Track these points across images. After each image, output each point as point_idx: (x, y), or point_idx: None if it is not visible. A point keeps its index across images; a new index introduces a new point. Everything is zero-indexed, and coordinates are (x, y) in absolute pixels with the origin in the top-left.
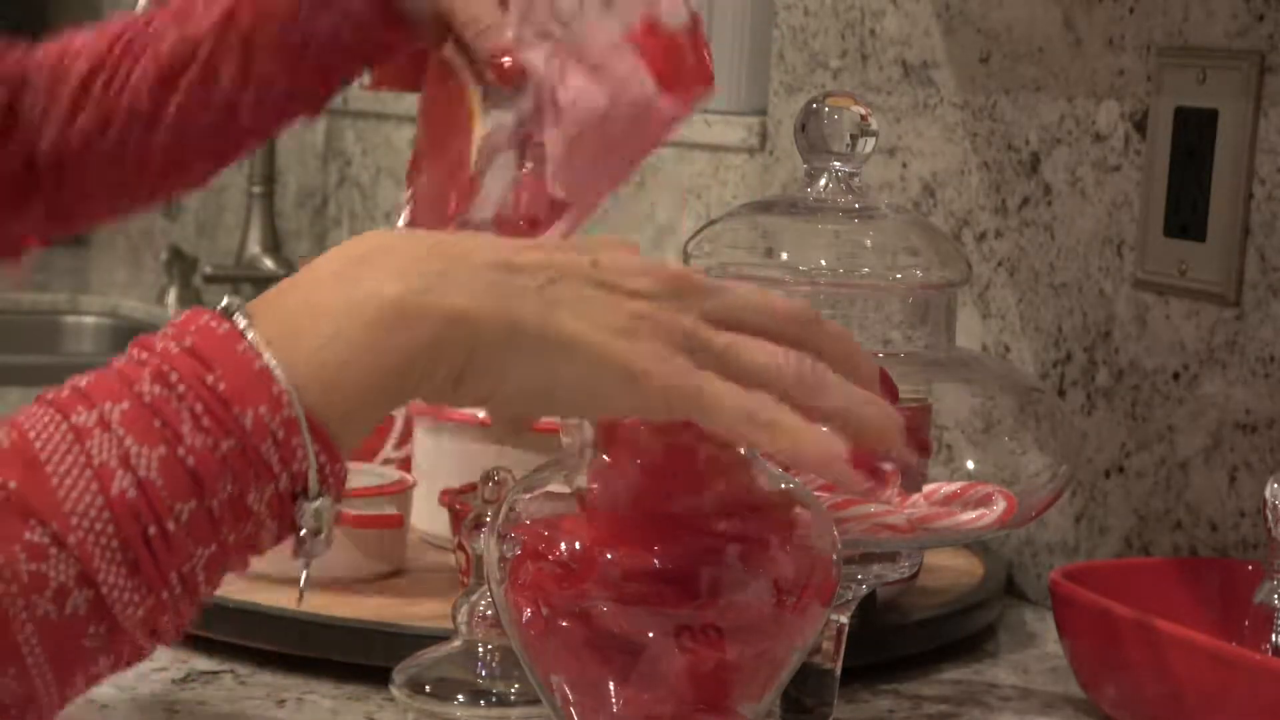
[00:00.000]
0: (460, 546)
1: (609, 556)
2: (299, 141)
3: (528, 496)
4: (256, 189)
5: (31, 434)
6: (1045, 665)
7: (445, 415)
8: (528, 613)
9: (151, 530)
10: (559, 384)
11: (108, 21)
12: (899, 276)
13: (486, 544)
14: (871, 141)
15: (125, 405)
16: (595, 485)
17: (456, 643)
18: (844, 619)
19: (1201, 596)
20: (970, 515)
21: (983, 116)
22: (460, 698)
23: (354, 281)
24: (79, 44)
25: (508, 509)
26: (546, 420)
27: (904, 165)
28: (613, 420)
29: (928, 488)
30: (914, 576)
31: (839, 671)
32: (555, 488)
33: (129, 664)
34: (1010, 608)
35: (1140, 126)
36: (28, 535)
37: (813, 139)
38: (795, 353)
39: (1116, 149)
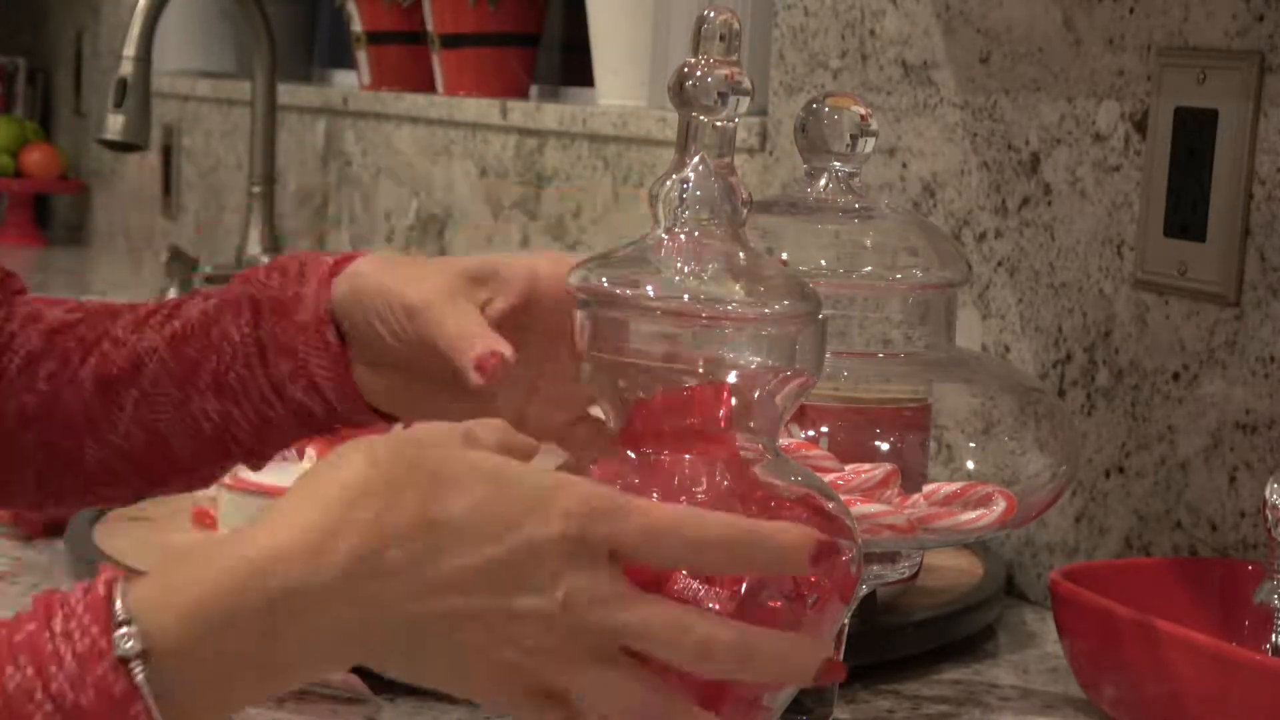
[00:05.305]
0: None
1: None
2: (299, 141)
3: None
4: (256, 189)
5: None
6: (1045, 665)
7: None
8: None
9: None
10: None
11: (83, 302)
12: (899, 276)
13: None
14: (871, 141)
15: None
16: (616, 483)
17: None
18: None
19: (1201, 596)
20: (970, 515)
21: (983, 116)
22: None
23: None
24: (45, 314)
25: None
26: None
27: (904, 165)
28: (631, 421)
29: (928, 488)
30: (914, 576)
31: None
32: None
33: None
34: (1010, 608)
35: (1140, 126)
36: None
37: (813, 139)
38: (715, 638)
39: (1116, 149)
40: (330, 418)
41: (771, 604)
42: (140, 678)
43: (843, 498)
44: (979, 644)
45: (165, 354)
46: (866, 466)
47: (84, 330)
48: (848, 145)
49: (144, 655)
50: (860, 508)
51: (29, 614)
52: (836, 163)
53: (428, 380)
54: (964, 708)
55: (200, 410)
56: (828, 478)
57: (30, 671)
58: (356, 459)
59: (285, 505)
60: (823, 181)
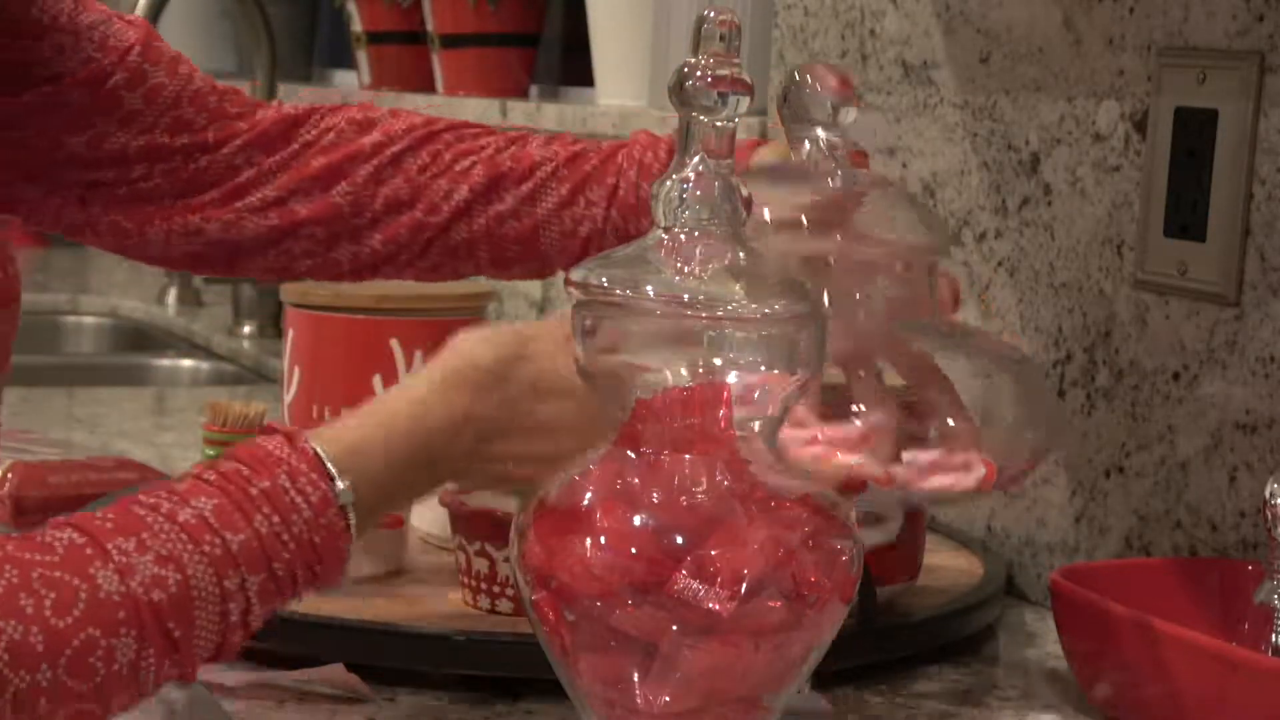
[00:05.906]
0: (460, 546)
1: (627, 557)
2: None
3: (551, 495)
4: None
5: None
6: (1045, 665)
7: None
8: (551, 614)
9: None
10: None
11: (405, 112)
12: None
13: (512, 544)
14: (853, 111)
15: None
16: (616, 483)
17: None
18: None
19: (1201, 596)
20: (948, 479)
21: (983, 116)
22: None
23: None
24: (385, 125)
25: (532, 509)
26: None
27: (904, 165)
28: (631, 421)
29: (906, 455)
30: (914, 577)
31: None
32: (576, 487)
33: None
34: (1010, 608)
35: (1140, 126)
36: None
37: (794, 108)
38: None
39: (1116, 149)
40: None
41: (771, 604)
42: (352, 518)
43: (821, 450)
44: (979, 644)
45: (562, 162)
46: (845, 425)
47: (450, 138)
48: (829, 114)
49: (353, 501)
50: (841, 459)
51: (234, 469)
52: (818, 130)
53: None
54: (964, 708)
55: (585, 214)
56: (805, 433)
57: (276, 519)
58: (481, 355)
59: (429, 385)
60: (805, 150)
